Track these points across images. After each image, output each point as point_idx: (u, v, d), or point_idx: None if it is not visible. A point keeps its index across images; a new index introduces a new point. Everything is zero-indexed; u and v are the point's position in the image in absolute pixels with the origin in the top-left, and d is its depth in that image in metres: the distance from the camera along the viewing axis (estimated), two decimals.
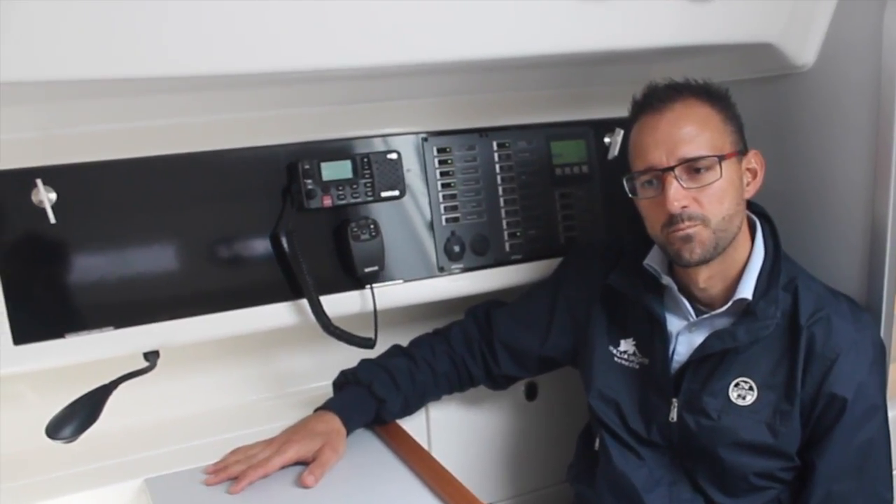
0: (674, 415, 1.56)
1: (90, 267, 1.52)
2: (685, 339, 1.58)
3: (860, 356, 1.46)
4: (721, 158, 1.45)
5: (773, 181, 1.60)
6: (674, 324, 1.59)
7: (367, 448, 1.68)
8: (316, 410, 1.69)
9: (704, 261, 1.49)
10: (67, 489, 1.56)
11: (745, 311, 1.51)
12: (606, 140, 1.98)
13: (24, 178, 1.44)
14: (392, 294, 1.78)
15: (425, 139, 1.81)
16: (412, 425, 1.80)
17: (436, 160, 1.82)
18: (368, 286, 1.74)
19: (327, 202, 1.67)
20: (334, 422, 1.63)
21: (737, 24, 1.61)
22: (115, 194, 1.54)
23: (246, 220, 1.65)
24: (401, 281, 1.79)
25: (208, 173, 1.61)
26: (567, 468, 1.86)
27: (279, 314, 1.68)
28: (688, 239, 1.46)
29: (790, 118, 1.76)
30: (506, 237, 1.90)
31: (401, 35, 1.36)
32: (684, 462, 1.58)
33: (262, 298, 1.67)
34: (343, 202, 1.69)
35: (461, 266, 1.85)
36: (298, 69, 1.34)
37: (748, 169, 1.54)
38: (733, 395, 1.51)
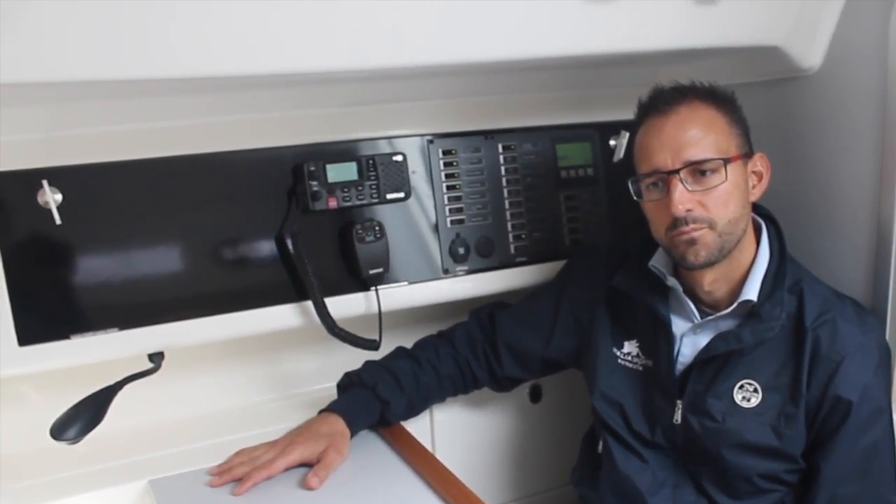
0: (678, 416, 1.55)
1: (95, 268, 1.53)
2: (690, 340, 1.58)
3: (865, 359, 1.46)
4: (726, 161, 1.45)
5: (778, 184, 1.60)
6: (678, 325, 1.59)
7: (372, 450, 1.68)
8: (320, 412, 1.69)
9: (709, 264, 1.48)
10: (71, 490, 1.56)
11: (750, 312, 1.51)
12: (612, 142, 1.98)
13: (29, 180, 1.45)
14: (397, 296, 1.78)
15: (431, 141, 1.81)
16: (416, 427, 1.80)
17: (441, 162, 1.82)
18: (373, 288, 1.74)
19: (332, 204, 1.67)
20: (338, 424, 1.63)
21: (743, 27, 1.61)
22: (120, 196, 1.54)
23: (251, 222, 1.65)
24: (405, 283, 1.79)
25: (214, 175, 1.61)
26: (571, 471, 1.86)
27: (284, 316, 1.69)
28: (692, 242, 1.46)
29: (796, 121, 1.76)
30: (511, 239, 1.90)
31: (406, 37, 1.36)
32: (688, 464, 1.58)
33: (267, 300, 1.67)
34: (348, 204, 1.69)
35: (466, 268, 1.85)
36: (304, 71, 1.34)
37: (754, 171, 1.54)
38: (738, 397, 1.51)
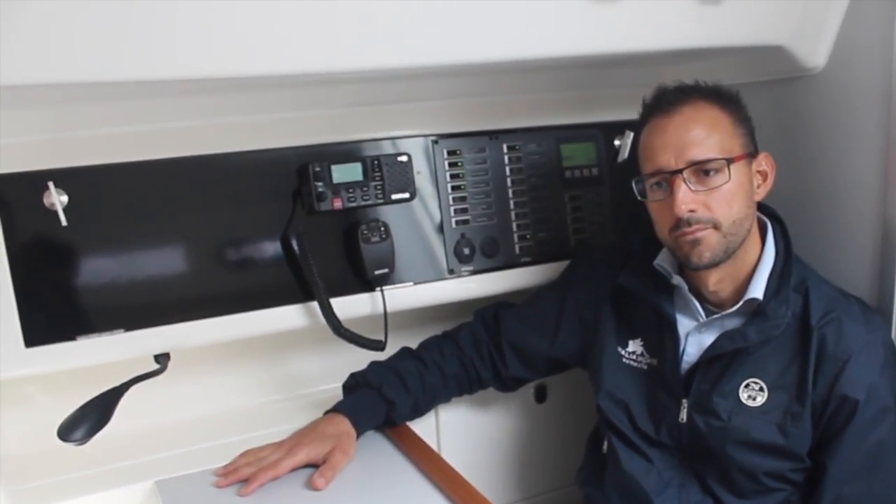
0: (683, 415, 1.55)
1: (101, 269, 1.53)
2: (695, 339, 1.57)
3: (871, 358, 1.46)
4: (730, 161, 1.45)
5: (783, 183, 1.60)
6: (683, 324, 1.59)
7: (378, 450, 1.68)
8: (326, 413, 1.69)
9: (714, 264, 1.49)
10: (78, 491, 1.57)
11: (755, 311, 1.51)
12: (616, 143, 1.98)
13: (35, 181, 1.45)
14: (402, 296, 1.78)
15: (435, 142, 1.81)
16: (422, 428, 1.80)
17: (446, 162, 1.82)
18: (378, 288, 1.74)
19: (338, 204, 1.67)
20: (344, 424, 1.63)
21: (748, 27, 1.61)
22: (126, 197, 1.54)
23: (256, 223, 1.66)
24: (411, 283, 1.79)
25: (219, 176, 1.61)
26: (576, 471, 1.85)
27: (289, 316, 1.69)
28: (696, 243, 1.46)
29: (801, 120, 1.76)
30: (515, 239, 1.90)
31: (410, 38, 1.37)
32: (693, 463, 1.58)
33: (273, 301, 1.67)
34: (353, 204, 1.69)
35: (471, 268, 1.86)
36: (308, 72, 1.34)
37: (759, 171, 1.54)
38: (743, 395, 1.51)
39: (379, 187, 1.72)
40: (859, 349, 1.45)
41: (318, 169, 1.65)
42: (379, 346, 1.73)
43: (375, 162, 1.71)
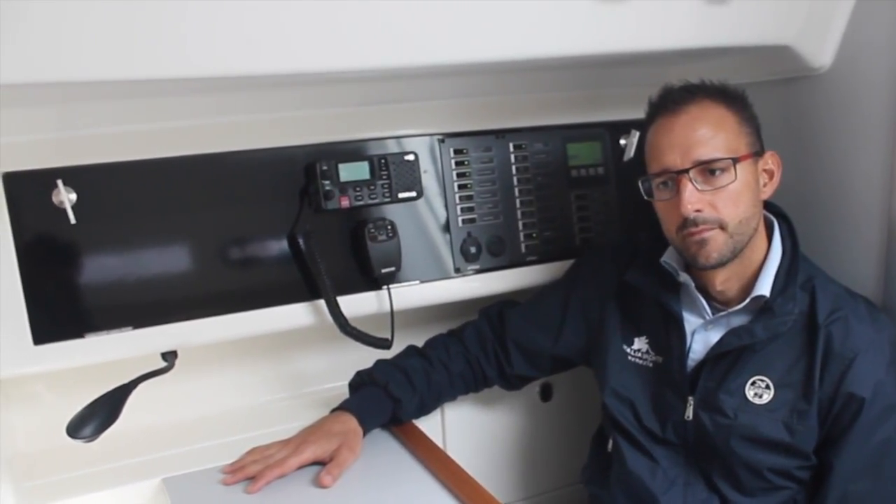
0: (689, 413, 1.56)
1: (110, 267, 1.53)
2: (701, 336, 1.58)
3: (878, 356, 1.46)
4: (736, 160, 1.45)
5: (790, 183, 1.60)
6: (690, 321, 1.59)
7: (384, 448, 1.69)
8: (332, 411, 1.69)
9: (721, 264, 1.49)
10: (86, 488, 1.57)
11: (762, 308, 1.51)
12: (622, 142, 1.98)
13: (44, 179, 1.45)
14: (408, 295, 1.79)
15: (442, 141, 1.81)
16: (428, 426, 1.81)
17: (452, 161, 1.82)
18: (385, 287, 1.74)
19: (345, 203, 1.68)
20: (351, 422, 1.64)
21: (754, 26, 1.61)
22: (134, 195, 1.55)
23: (263, 221, 1.66)
24: (417, 282, 1.80)
25: (227, 174, 1.62)
26: (581, 469, 1.86)
27: (296, 315, 1.69)
28: (703, 243, 1.46)
29: (807, 120, 1.76)
30: (521, 238, 1.90)
31: (417, 37, 1.37)
32: (699, 461, 1.58)
33: (280, 299, 1.67)
34: (360, 203, 1.70)
35: (477, 267, 1.86)
36: (315, 71, 1.34)
37: (765, 170, 1.54)
38: (750, 393, 1.51)
39: (386, 186, 1.72)
40: (866, 347, 1.45)
41: (325, 167, 1.65)
42: (385, 344, 1.73)
43: (382, 161, 1.72)
